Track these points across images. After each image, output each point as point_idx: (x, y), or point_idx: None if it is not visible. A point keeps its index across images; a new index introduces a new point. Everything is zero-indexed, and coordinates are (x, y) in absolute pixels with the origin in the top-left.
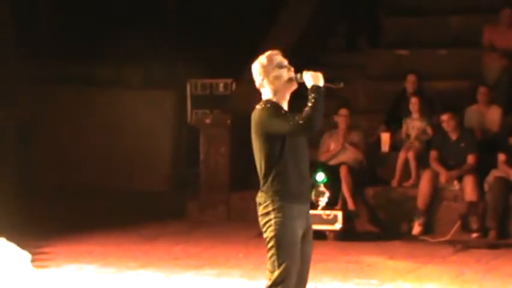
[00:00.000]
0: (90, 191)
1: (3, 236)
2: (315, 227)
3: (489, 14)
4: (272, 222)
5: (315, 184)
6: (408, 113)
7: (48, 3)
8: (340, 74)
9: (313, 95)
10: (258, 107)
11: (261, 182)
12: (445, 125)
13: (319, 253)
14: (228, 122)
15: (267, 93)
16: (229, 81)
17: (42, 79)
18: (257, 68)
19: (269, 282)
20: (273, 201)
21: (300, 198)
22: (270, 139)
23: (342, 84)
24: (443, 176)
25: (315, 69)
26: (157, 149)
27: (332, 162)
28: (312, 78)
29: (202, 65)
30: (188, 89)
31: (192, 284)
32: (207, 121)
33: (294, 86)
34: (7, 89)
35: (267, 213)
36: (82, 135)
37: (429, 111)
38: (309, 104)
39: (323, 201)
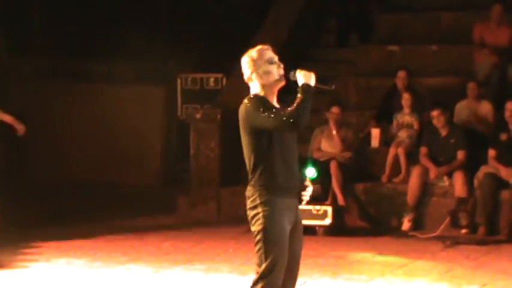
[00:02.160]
0: (81, 185)
1: None
2: (305, 222)
3: (480, 11)
4: (260, 215)
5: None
6: (399, 109)
7: None
8: (332, 73)
9: (302, 93)
10: (245, 100)
11: (249, 176)
12: (435, 121)
13: (308, 248)
14: (219, 116)
15: (255, 88)
16: (219, 76)
17: (33, 74)
18: (247, 61)
19: (257, 276)
20: (260, 195)
21: (288, 192)
22: (257, 133)
23: (333, 86)
24: (432, 172)
25: (306, 65)
26: (147, 144)
27: (322, 158)
28: (304, 77)
29: (192, 60)
30: (179, 84)
31: (181, 279)
32: (198, 116)
33: (283, 83)
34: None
35: (255, 207)
36: (73, 130)
37: (419, 107)
38: (297, 101)
39: (307, 195)
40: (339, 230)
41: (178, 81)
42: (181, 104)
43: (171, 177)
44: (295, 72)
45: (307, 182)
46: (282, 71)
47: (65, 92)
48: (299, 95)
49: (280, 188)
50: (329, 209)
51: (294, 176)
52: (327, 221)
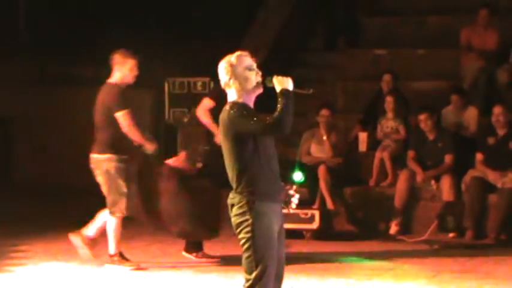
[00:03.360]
0: (68, 189)
1: None
2: (292, 226)
3: (467, 15)
4: (249, 222)
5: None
6: (384, 113)
7: (27, 1)
8: (319, 76)
9: (283, 98)
10: (226, 107)
11: (234, 183)
12: (422, 125)
13: (296, 252)
14: None
15: (232, 94)
16: (207, 80)
17: (21, 78)
18: (225, 67)
19: (247, 284)
20: (248, 202)
21: (275, 197)
22: (241, 139)
23: (311, 91)
24: (419, 176)
25: (292, 70)
26: None
27: (310, 162)
28: (281, 83)
29: (180, 64)
30: (166, 88)
31: (168, 283)
32: (185, 120)
33: (260, 90)
34: None
35: (242, 214)
36: (61, 133)
37: (404, 111)
38: (279, 107)
39: (294, 202)
40: (326, 234)
41: (166, 85)
42: (169, 108)
43: None
44: (272, 78)
45: (293, 191)
46: (259, 78)
47: (52, 96)
48: (280, 101)
49: (267, 194)
50: (316, 213)
51: (278, 180)
52: (314, 225)
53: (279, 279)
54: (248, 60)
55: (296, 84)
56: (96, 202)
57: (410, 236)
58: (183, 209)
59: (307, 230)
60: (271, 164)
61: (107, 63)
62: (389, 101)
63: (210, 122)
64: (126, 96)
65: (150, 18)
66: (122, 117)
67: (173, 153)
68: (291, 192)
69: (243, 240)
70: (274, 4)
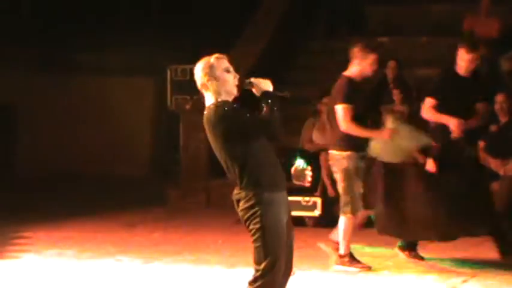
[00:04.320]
0: (71, 177)
1: None
2: (294, 213)
3: (469, 3)
4: (258, 214)
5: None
6: (388, 101)
7: None
8: (321, 64)
9: (266, 100)
10: (210, 106)
11: (237, 180)
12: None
13: (297, 240)
14: None
15: (209, 97)
16: None
17: (22, 65)
18: (203, 68)
19: (257, 274)
20: (255, 194)
21: (279, 186)
22: (232, 137)
23: (288, 94)
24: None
25: (294, 57)
26: (137, 135)
27: (312, 149)
28: (261, 85)
29: (182, 51)
30: (168, 75)
31: (170, 270)
32: (187, 107)
33: (235, 93)
34: None
35: (251, 206)
36: (62, 121)
37: (408, 98)
38: (265, 109)
39: (308, 174)
40: (328, 221)
41: (168, 72)
42: (171, 95)
43: (160, 168)
44: (250, 81)
45: (302, 166)
46: (236, 82)
47: (54, 83)
48: (264, 103)
49: (272, 183)
50: (318, 200)
51: (279, 169)
52: (316, 212)
53: (289, 265)
54: (226, 63)
55: (274, 87)
56: (99, 189)
57: None
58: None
59: (309, 217)
60: (268, 154)
61: (109, 50)
62: (395, 93)
63: (439, 116)
64: (355, 91)
65: (153, 4)
66: (340, 110)
67: (176, 140)
68: (301, 166)
69: (253, 231)
70: None
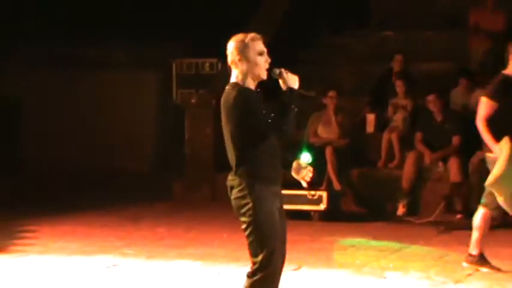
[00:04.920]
0: (75, 170)
1: None
2: (300, 207)
3: None
4: (250, 206)
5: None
6: (393, 94)
7: None
8: (327, 57)
9: (289, 99)
10: (228, 89)
11: (234, 166)
12: (431, 106)
13: (303, 234)
14: (213, 102)
15: (236, 75)
16: (215, 61)
17: (29, 60)
18: (237, 46)
19: (255, 266)
20: (248, 185)
21: (274, 180)
22: (242, 124)
23: (313, 94)
24: (427, 158)
25: (300, 51)
26: (142, 129)
27: (318, 143)
28: (289, 80)
29: (187, 45)
30: (174, 69)
31: (175, 264)
32: (193, 101)
33: (264, 77)
34: None
35: (243, 197)
36: (68, 115)
37: (413, 92)
38: (285, 109)
39: (308, 174)
40: (333, 215)
41: (174, 66)
42: (177, 89)
43: (165, 162)
44: (280, 72)
45: (305, 164)
46: (267, 66)
47: (60, 77)
48: (286, 102)
49: (267, 177)
50: (324, 194)
51: (278, 163)
52: (322, 206)
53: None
54: (260, 45)
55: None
56: (104, 183)
57: (418, 217)
58: None
59: (315, 211)
60: (271, 146)
61: (112, 45)
62: (399, 85)
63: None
64: (507, 89)
65: None
66: (482, 104)
67: (181, 134)
68: (304, 163)
69: (245, 225)
70: None
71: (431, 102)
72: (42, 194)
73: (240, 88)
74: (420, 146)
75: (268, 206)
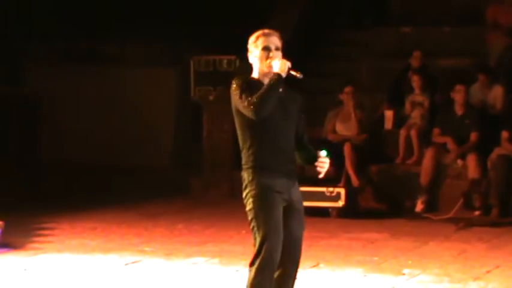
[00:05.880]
0: (94, 167)
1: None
2: (318, 204)
3: None
4: (249, 195)
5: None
6: (411, 90)
7: None
8: (346, 54)
9: (270, 82)
10: (233, 80)
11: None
12: (457, 96)
13: (321, 230)
14: None
15: (253, 68)
16: (233, 58)
17: (46, 56)
18: (249, 40)
19: (253, 255)
20: (249, 175)
21: (277, 171)
22: (237, 112)
23: (301, 75)
24: (450, 144)
25: (319, 47)
26: (160, 126)
27: (336, 140)
28: (279, 65)
29: (205, 42)
30: (191, 66)
31: (194, 261)
32: (211, 98)
33: (266, 71)
34: (12, 66)
35: (245, 187)
36: (86, 112)
37: (431, 88)
38: (263, 89)
39: (324, 168)
40: (352, 211)
41: (191, 63)
42: (194, 86)
43: (184, 159)
44: (272, 59)
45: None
46: (270, 60)
47: (77, 74)
48: (267, 83)
49: (267, 168)
50: (342, 191)
51: (283, 154)
52: (340, 203)
53: (294, 260)
54: (267, 40)
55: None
56: (122, 180)
57: (436, 213)
58: None
59: (333, 208)
60: (276, 138)
61: (132, 40)
62: (415, 79)
63: None
64: None
65: None
66: None
67: (199, 130)
68: (321, 155)
69: (248, 213)
70: None
71: (460, 92)
72: (61, 191)
73: (239, 77)
74: (440, 139)
75: (266, 196)
